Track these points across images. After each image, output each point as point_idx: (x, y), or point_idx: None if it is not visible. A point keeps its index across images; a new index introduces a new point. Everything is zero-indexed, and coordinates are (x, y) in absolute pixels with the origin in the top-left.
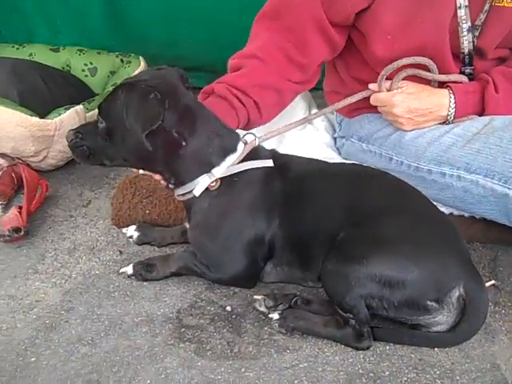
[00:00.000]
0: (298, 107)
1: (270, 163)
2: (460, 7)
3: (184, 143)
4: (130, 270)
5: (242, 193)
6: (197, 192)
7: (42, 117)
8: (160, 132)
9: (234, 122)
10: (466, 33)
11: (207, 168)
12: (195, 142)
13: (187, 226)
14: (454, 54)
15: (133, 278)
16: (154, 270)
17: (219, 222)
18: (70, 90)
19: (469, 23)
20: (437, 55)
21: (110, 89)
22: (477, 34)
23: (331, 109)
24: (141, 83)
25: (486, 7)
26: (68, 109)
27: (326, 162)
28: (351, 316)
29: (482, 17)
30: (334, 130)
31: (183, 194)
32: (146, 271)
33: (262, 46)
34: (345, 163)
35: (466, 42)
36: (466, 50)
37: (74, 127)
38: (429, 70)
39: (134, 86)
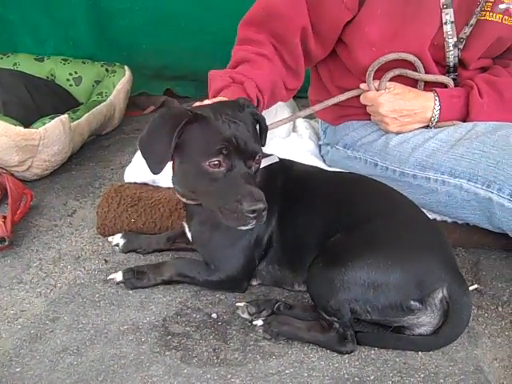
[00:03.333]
0: (282, 115)
1: (275, 159)
2: (446, 23)
3: None
4: (119, 276)
5: None
6: None
7: (26, 126)
8: None
9: None
10: (451, 47)
11: None
12: None
13: (185, 225)
14: (438, 64)
15: (122, 285)
16: (144, 277)
17: None
18: (54, 100)
19: (455, 38)
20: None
21: (95, 98)
22: (461, 46)
23: (321, 106)
24: None
25: (472, 21)
26: (53, 118)
27: (324, 169)
28: (335, 319)
29: (467, 30)
30: (319, 138)
31: None
32: (136, 279)
33: (267, 47)
34: (340, 171)
35: (452, 57)
36: (452, 64)
37: None
38: (416, 71)
39: None
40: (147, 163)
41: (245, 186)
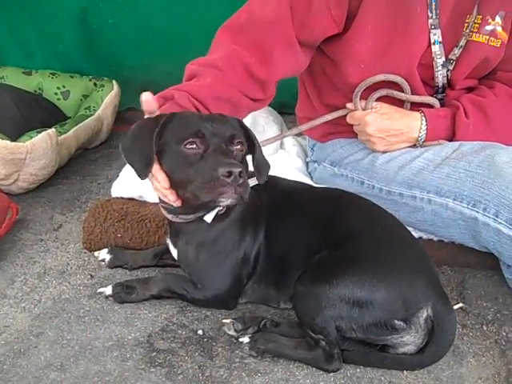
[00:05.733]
0: (270, 131)
1: (254, 182)
2: (434, 43)
3: None
4: (108, 290)
5: (233, 209)
6: (208, 219)
7: (13, 140)
8: None
9: None
10: (440, 68)
11: None
12: None
13: (168, 241)
14: (426, 84)
15: (108, 300)
16: (133, 292)
17: (212, 238)
18: (42, 114)
19: (443, 58)
20: (408, 84)
21: (83, 112)
22: (451, 67)
23: (308, 126)
24: None
25: (462, 42)
26: (40, 132)
27: (311, 185)
28: (321, 337)
29: (457, 52)
30: (306, 155)
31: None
32: (125, 293)
33: (224, 57)
34: (327, 187)
35: (441, 77)
36: (440, 84)
37: None
38: (402, 91)
39: None
40: (133, 168)
41: (222, 158)
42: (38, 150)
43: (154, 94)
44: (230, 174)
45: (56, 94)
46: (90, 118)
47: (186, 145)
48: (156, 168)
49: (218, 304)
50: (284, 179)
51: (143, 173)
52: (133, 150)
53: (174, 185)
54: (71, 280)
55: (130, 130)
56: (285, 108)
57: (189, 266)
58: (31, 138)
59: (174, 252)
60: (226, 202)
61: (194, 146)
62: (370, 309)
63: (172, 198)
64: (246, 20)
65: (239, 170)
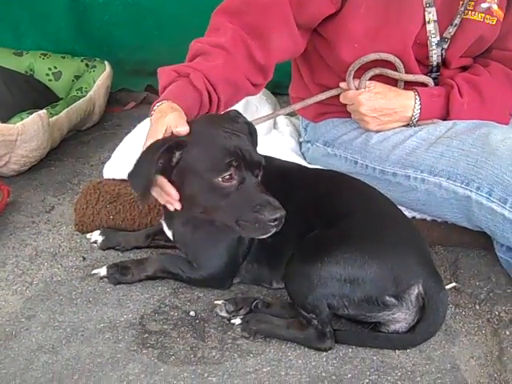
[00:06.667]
0: (263, 110)
1: None
2: (429, 22)
3: None
4: (103, 272)
5: None
6: None
7: (4, 121)
8: None
9: (192, 113)
10: (435, 47)
11: None
12: None
13: (164, 223)
14: (421, 63)
15: (104, 280)
16: (128, 273)
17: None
18: (33, 95)
19: (438, 37)
20: (402, 63)
21: (75, 93)
22: (445, 46)
23: (301, 105)
24: None
25: (457, 21)
26: (31, 113)
27: (304, 166)
28: (314, 316)
29: (452, 30)
30: (299, 135)
31: None
32: (120, 274)
33: (230, 40)
34: (320, 168)
35: (435, 56)
36: (435, 63)
37: None
38: (396, 70)
39: None
40: (135, 192)
41: (261, 196)
42: (29, 131)
43: (147, 74)
44: (276, 219)
45: (47, 74)
46: (81, 99)
47: (223, 178)
48: (163, 181)
49: (213, 283)
50: (277, 159)
51: (143, 196)
52: (133, 173)
53: (195, 209)
54: (63, 262)
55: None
56: (279, 88)
57: (185, 246)
58: (22, 119)
59: (169, 233)
60: (263, 236)
61: (230, 178)
62: (361, 285)
63: (178, 207)
64: (242, 2)
65: (284, 215)
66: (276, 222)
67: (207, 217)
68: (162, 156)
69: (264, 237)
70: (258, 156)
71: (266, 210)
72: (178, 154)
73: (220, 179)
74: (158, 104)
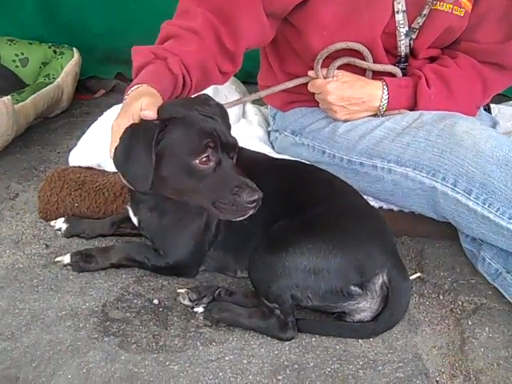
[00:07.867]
0: (232, 99)
1: None
2: (398, 12)
3: None
4: (66, 259)
5: None
6: None
7: None
8: None
9: (165, 96)
10: (403, 37)
11: None
12: None
13: (129, 209)
14: (389, 53)
15: (67, 268)
16: (92, 260)
17: (175, 205)
18: None
19: (406, 27)
20: (371, 52)
21: (42, 80)
22: (414, 36)
23: (268, 92)
24: None
25: (425, 11)
26: None
27: (269, 155)
28: (276, 306)
29: (420, 20)
30: (268, 124)
31: None
32: (84, 262)
33: (201, 25)
34: (285, 158)
35: (403, 46)
36: (403, 53)
37: None
38: (364, 59)
39: None
40: (132, 185)
41: (238, 178)
42: None
43: (117, 62)
44: (254, 201)
45: (14, 61)
46: (48, 86)
47: (200, 160)
48: None
49: (179, 271)
50: (245, 149)
51: (143, 187)
52: (130, 169)
53: (172, 190)
54: (26, 249)
55: (120, 142)
56: (250, 77)
57: (151, 233)
58: None
59: (135, 220)
60: (240, 219)
61: (207, 159)
62: (325, 276)
63: None
64: None
65: (261, 196)
66: (254, 204)
67: (179, 198)
68: (156, 141)
69: (241, 219)
70: (232, 138)
71: (243, 192)
72: (160, 135)
73: (197, 161)
74: (135, 86)
